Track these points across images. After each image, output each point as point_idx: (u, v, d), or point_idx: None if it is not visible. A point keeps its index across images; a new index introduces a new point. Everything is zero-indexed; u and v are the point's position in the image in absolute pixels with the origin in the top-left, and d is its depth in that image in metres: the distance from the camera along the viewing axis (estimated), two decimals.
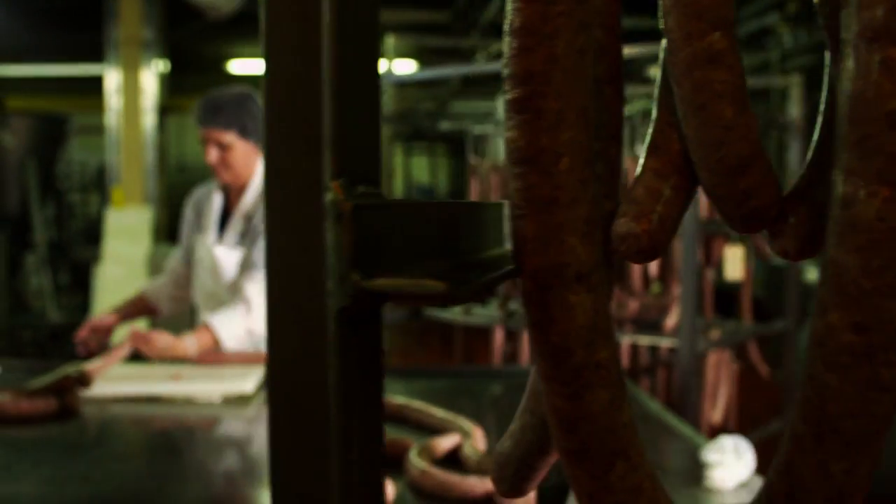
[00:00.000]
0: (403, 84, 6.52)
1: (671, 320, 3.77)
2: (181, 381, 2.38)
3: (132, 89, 7.70)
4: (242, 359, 2.64)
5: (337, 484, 0.38)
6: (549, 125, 0.45)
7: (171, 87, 8.67)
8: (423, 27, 8.18)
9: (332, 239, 0.37)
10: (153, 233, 7.45)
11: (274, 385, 0.40)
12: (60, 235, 8.92)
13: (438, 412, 2.01)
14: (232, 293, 2.90)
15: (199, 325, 2.75)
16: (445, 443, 1.77)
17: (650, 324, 3.89)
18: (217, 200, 3.02)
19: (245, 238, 2.93)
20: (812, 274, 4.93)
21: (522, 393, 0.65)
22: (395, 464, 1.68)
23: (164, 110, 8.12)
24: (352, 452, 0.40)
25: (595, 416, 0.47)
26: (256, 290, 2.77)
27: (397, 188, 10.01)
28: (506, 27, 0.46)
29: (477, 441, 1.79)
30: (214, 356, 2.65)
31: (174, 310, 3.18)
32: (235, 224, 2.95)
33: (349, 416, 0.39)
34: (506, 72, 0.46)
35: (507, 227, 0.64)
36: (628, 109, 7.74)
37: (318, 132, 0.37)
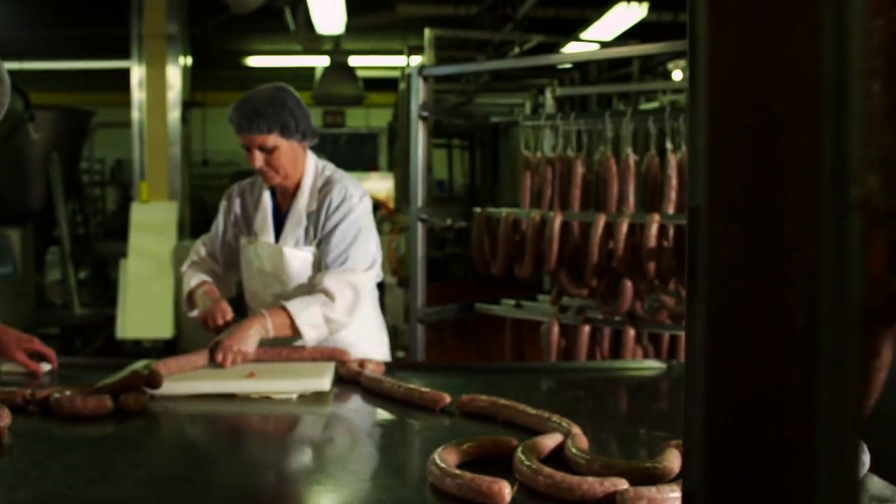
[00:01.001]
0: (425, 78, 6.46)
1: None
2: (256, 379, 2.34)
3: (157, 84, 7.66)
4: (314, 355, 2.60)
5: (849, 473, 0.36)
6: None
7: (193, 82, 8.63)
8: (443, 21, 8.12)
9: (859, 239, 0.33)
10: (178, 227, 7.42)
11: (759, 385, 0.36)
12: (83, 230, 8.89)
13: (530, 409, 1.97)
14: (302, 294, 2.79)
15: (271, 307, 2.65)
16: (550, 442, 1.74)
17: None
18: (268, 200, 2.87)
19: (311, 238, 2.80)
20: None
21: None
22: (500, 462, 1.65)
23: (187, 105, 8.08)
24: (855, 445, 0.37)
25: None
26: (335, 282, 2.67)
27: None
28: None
29: (580, 440, 1.75)
30: (289, 352, 2.60)
31: None
32: (296, 224, 2.81)
33: (857, 415, 0.36)
34: None
35: None
36: (654, 105, 7.68)
37: (849, 124, 0.33)
